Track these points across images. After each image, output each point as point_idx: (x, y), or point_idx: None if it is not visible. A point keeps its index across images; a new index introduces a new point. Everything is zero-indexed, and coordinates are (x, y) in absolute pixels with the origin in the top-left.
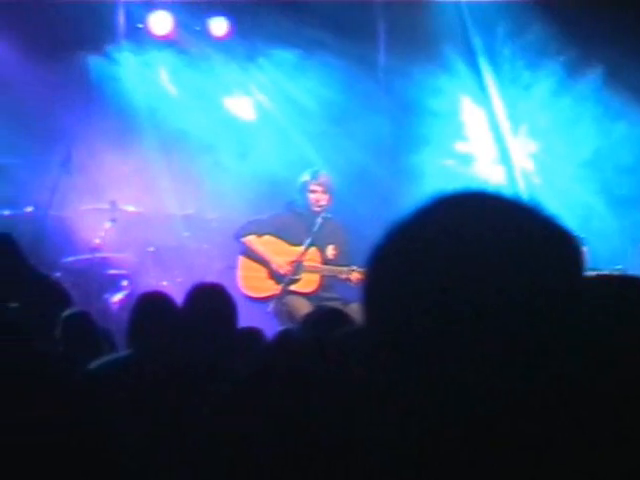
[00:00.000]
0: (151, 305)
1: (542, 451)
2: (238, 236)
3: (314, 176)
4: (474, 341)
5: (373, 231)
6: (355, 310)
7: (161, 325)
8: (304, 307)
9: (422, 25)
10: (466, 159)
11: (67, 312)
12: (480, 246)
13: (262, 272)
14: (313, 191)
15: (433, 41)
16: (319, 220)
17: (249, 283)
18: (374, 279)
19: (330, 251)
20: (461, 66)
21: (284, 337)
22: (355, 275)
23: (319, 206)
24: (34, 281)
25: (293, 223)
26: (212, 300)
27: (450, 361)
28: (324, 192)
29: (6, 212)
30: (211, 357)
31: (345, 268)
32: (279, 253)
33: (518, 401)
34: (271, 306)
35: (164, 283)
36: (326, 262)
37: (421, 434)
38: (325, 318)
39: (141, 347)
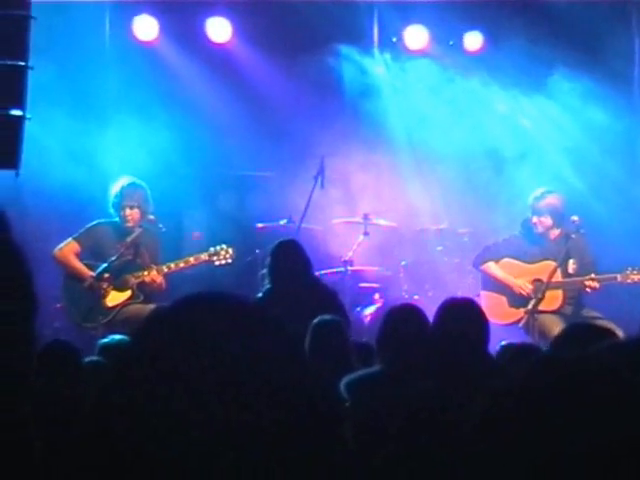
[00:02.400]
0: (403, 318)
1: None
2: (477, 264)
3: (536, 199)
4: None
5: (624, 244)
6: (604, 324)
7: (412, 339)
8: (555, 325)
9: None
10: None
11: (318, 319)
12: None
13: (504, 299)
14: (535, 213)
15: None
16: (570, 239)
17: (493, 311)
18: None
19: (571, 265)
20: None
21: (541, 355)
22: (590, 283)
23: (539, 228)
24: (310, 285)
25: (528, 243)
26: (464, 316)
27: None
28: (545, 215)
29: (260, 225)
30: (463, 374)
31: (585, 277)
32: (519, 274)
33: None
34: (522, 322)
35: (416, 297)
36: (567, 277)
37: None
38: (579, 334)
39: (392, 362)
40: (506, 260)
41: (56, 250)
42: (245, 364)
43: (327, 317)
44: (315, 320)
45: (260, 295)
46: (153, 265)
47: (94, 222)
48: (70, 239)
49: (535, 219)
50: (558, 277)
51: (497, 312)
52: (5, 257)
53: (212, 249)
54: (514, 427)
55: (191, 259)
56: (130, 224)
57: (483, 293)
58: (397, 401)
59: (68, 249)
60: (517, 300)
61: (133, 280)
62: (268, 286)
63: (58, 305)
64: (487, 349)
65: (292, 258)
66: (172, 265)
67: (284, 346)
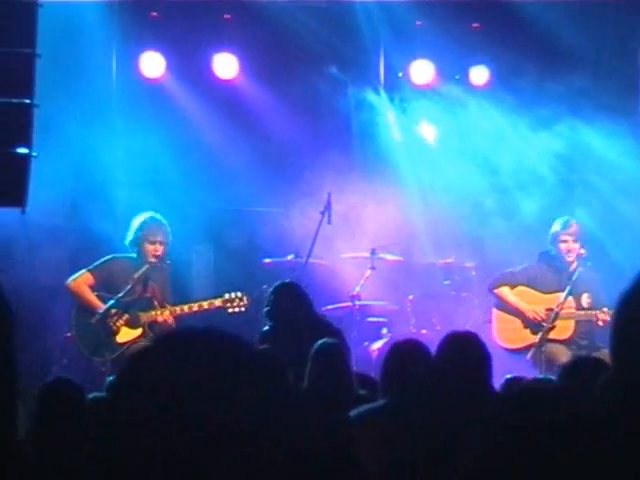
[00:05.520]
0: (405, 354)
1: None
2: (491, 287)
3: (564, 226)
4: None
5: (628, 276)
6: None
7: (415, 374)
8: (563, 354)
9: None
10: None
11: (318, 343)
12: None
13: (517, 323)
14: (564, 241)
15: None
16: (578, 270)
17: (504, 335)
18: (624, 323)
19: (585, 299)
20: None
21: (541, 386)
22: (601, 316)
23: (571, 256)
24: (312, 325)
25: (546, 273)
26: (465, 349)
27: None
28: (575, 241)
29: (267, 260)
30: (463, 407)
31: (597, 311)
32: (533, 302)
33: None
34: (530, 354)
35: (423, 331)
36: (580, 309)
37: None
38: (583, 366)
39: (395, 397)
40: (521, 288)
41: (70, 281)
42: (222, 404)
43: (328, 340)
44: (315, 344)
45: (261, 335)
46: (167, 304)
47: (110, 256)
48: (85, 271)
49: (565, 246)
50: (571, 308)
51: (507, 336)
52: None
53: (227, 295)
54: (507, 462)
55: (204, 304)
56: (152, 259)
57: (495, 312)
58: (402, 434)
59: (82, 280)
60: (529, 325)
61: (145, 318)
62: (268, 326)
63: (68, 334)
64: (490, 381)
65: (293, 298)
66: (185, 308)
67: (273, 385)
